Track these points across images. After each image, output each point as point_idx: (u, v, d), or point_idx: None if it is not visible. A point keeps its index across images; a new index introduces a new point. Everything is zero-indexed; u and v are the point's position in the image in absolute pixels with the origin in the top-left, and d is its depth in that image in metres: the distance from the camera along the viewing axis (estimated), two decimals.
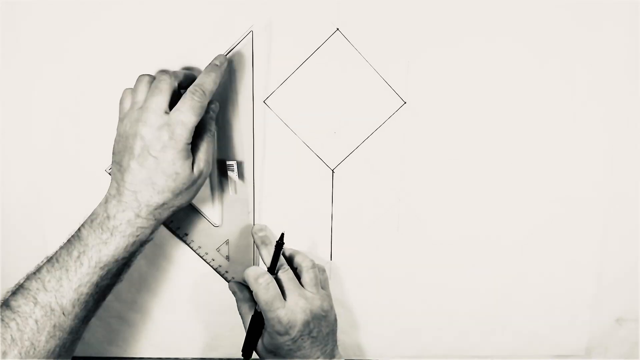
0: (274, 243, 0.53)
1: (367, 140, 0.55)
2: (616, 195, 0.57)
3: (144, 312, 0.60)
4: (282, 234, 0.52)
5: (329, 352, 0.53)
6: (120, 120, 0.48)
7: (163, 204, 0.47)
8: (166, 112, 0.46)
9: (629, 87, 0.55)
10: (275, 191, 0.56)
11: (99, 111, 0.53)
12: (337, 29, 0.53)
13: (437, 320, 0.61)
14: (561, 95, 0.55)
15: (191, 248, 0.57)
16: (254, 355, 0.54)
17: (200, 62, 0.52)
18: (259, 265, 0.57)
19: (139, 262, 0.57)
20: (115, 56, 0.52)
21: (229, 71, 0.52)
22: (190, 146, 0.47)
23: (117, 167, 0.47)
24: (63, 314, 0.45)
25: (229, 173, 0.54)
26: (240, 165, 0.55)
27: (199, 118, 0.47)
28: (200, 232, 0.56)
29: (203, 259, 0.57)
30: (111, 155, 0.49)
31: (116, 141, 0.48)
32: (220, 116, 0.53)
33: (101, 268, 0.46)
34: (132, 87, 0.49)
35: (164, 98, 0.46)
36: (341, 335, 0.61)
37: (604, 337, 0.61)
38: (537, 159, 0.56)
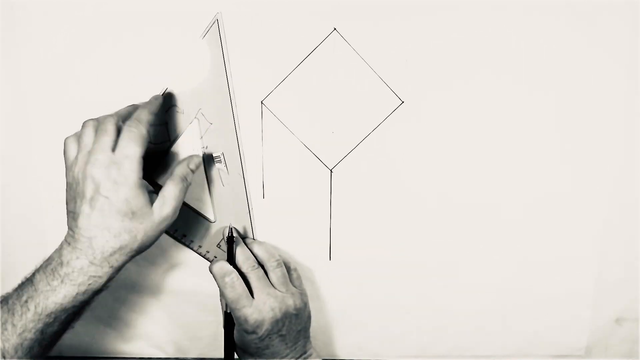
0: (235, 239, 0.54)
1: (365, 140, 0.55)
2: (616, 195, 0.57)
3: (144, 313, 0.60)
4: (231, 229, 0.53)
5: (299, 349, 0.53)
6: (68, 168, 0.47)
7: (120, 248, 0.45)
8: (113, 151, 0.46)
9: (629, 89, 0.54)
10: (274, 191, 0.56)
11: (99, 113, 0.53)
12: (335, 29, 0.52)
13: (437, 320, 0.61)
14: (561, 94, 0.54)
15: (191, 249, 0.57)
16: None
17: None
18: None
19: (138, 263, 0.58)
20: (113, 60, 0.52)
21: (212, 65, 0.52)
22: (142, 182, 0.46)
23: (71, 215, 0.46)
24: (3, 357, 0.44)
25: (216, 164, 0.55)
26: (225, 156, 0.55)
27: (143, 148, 0.46)
28: (197, 230, 0.57)
29: (205, 258, 0.57)
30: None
31: (67, 190, 0.47)
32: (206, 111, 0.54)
33: (47, 315, 0.44)
34: (74, 134, 0.48)
35: (110, 138, 0.46)
36: (341, 335, 0.61)
37: (603, 337, 0.61)
38: (537, 158, 0.56)
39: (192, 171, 0.50)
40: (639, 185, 0.57)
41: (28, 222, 0.57)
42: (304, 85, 0.54)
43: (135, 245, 0.46)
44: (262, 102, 0.54)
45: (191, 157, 0.51)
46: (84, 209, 0.45)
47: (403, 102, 0.54)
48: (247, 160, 0.55)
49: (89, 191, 0.45)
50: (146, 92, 0.53)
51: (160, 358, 0.62)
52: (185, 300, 0.59)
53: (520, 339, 0.61)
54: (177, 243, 0.57)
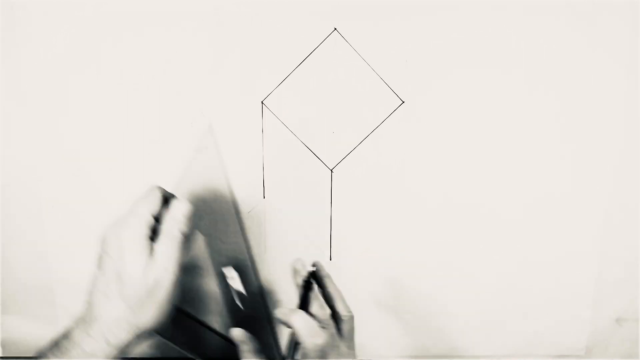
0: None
1: (365, 140, 0.55)
2: (616, 195, 0.57)
3: None
4: (311, 272, 0.48)
5: None
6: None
7: (116, 320, 0.40)
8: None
9: (629, 89, 0.54)
10: (274, 192, 0.56)
11: (99, 111, 0.54)
12: (335, 29, 0.53)
13: (437, 320, 0.61)
14: (561, 93, 0.54)
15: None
16: None
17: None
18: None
19: None
20: (113, 60, 0.53)
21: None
22: (145, 243, 0.41)
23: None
24: None
25: (229, 283, 0.51)
26: (241, 271, 0.52)
27: (154, 207, 0.43)
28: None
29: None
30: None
31: None
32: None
33: None
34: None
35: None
36: None
37: (604, 336, 0.61)
38: (537, 158, 0.56)
39: (181, 222, 0.43)
40: (639, 185, 0.57)
41: (28, 222, 0.57)
42: (304, 85, 0.54)
43: (131, 317, 0.41)
44: (262, 102, 0.54)
45: (173, 205, 0.44)
46: (93, 271, 0.42)
47: (403, 102, 0.54)
48: (248, 160, 0.55)
49: (99, 251, 0.42)
50: (146, 92, 0.53)
51: (160, 358, 0.62)
52: (186, 300, 0.59)
53: (520, 339, 0.61)
54: None
